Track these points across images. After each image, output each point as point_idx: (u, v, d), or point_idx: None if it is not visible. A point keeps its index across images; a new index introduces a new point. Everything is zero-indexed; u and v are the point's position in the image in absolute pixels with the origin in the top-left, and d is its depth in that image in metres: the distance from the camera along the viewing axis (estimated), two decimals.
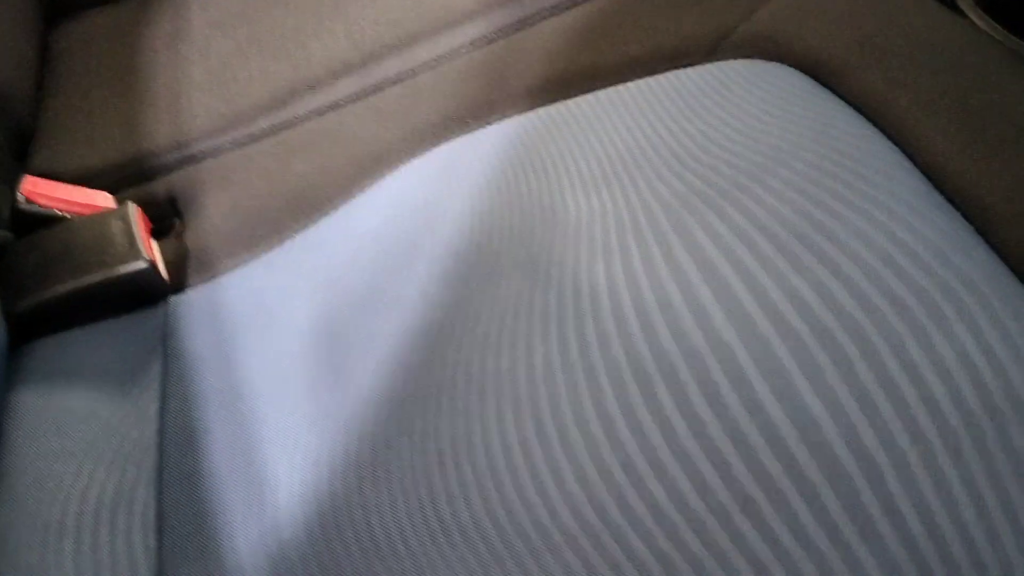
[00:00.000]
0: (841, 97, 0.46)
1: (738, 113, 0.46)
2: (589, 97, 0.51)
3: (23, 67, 0.61)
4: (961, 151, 0.41)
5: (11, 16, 0.62)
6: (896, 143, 0.43)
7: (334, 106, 0.58)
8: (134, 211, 0.49)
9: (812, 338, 0.35)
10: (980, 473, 0.32)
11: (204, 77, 0.60)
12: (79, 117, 0.60)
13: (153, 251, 0.49)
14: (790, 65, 0.49)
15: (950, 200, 0.40)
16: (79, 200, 0.52)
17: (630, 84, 0.51)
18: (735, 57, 0.51)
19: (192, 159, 0.57)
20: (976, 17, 0.60)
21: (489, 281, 0.43)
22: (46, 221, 0.50)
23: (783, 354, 0.35)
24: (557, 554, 0.34)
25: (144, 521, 0.40)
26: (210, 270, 0.51)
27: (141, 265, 0.47)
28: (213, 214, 0.53)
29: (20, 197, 0.50)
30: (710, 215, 0.41)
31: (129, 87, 0.60)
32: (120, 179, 0.56)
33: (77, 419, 0.43)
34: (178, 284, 0.51)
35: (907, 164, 0.41)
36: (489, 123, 0.52)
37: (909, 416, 0.33)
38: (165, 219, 0.54)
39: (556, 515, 0.34)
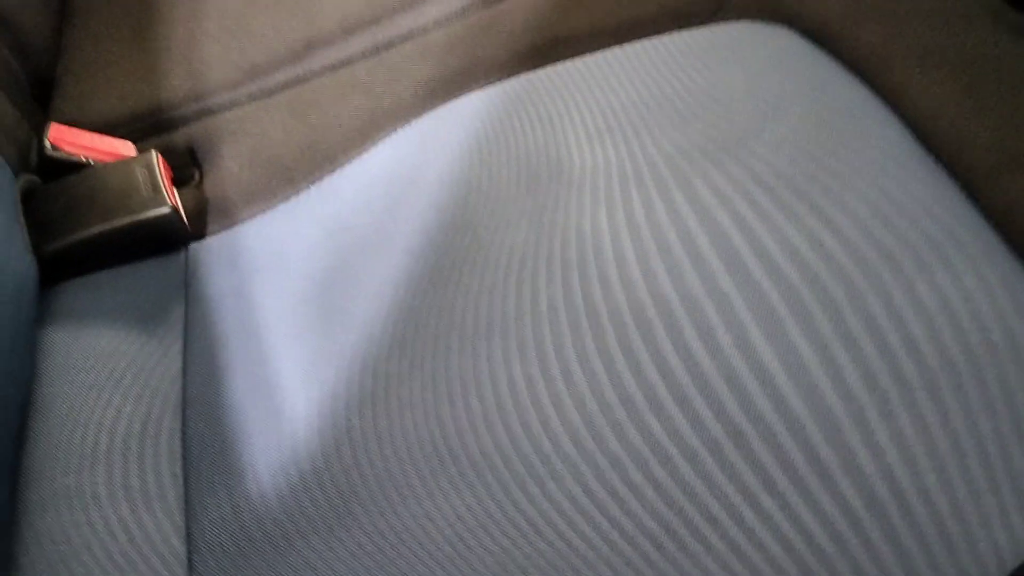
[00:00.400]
0: (841, 58, 0.48)
1: (739, 72, 0.48)
2: (596, 55, 0.53)
3: (45, 15, 0.63)
4: (952, 105, 0.43)
5: None
6: (890, 99, 0.44)
7: (347, 62, 0.59)
8: (157, 159, 0.51)
9: (803, 284, 0.37)
10: (955, 410, 0.34)
11: (220, 31, 0.61)
12: (98, 68, 0.61)
13: (175, 198, 0.51)
14: (792, 27, 0.51)
15: (937, 155, 0.42)
16: (103, 148, 0.53)
17: (635, 43, 0.52)
18: (738, 19, 0.52)
19: (210, 111, 0.58)
20: None
21: (496, 230, 0.45)
22: (71, 167, 0.52)
23: (775, 298, 0.37)
24: (559, 481, 0.36)
25: (170, 450, 0.42)
26: (229, 218, 0.53)
27: (165, 210, 0.49)
28: (231, 165, 0.55)
29: (47, 144, 0.52)
30: (709, 167, 0.43)
31: (147, 39, 0.62)
32: (140, 130, 0.57)
33: (104, 356, 0.46)
34: (198, 231, 0.52)
35: (897, 122, 0.43)
36: (498, 80, 0.54)
37: (891, 357, 0.35)
38: (185, 169, 0.55)
39: (559, 445, 0.37)
